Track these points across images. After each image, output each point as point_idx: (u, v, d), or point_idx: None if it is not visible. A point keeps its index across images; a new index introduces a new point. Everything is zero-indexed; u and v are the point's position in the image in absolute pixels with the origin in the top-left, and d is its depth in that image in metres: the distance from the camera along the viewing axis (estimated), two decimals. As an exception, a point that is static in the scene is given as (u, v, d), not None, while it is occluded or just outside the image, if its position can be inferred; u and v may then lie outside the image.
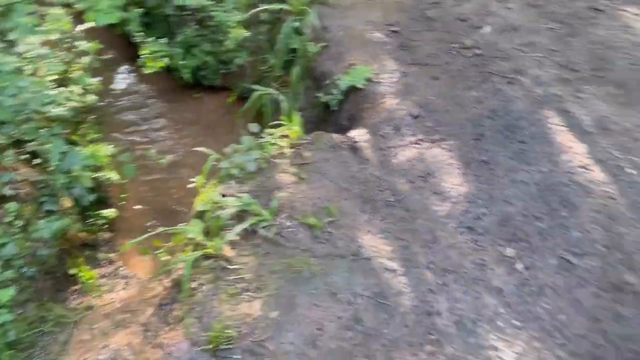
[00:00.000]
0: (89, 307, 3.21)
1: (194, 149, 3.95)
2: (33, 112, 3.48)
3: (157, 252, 3.48)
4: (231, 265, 2.99)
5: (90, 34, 4.72)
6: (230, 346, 2.64)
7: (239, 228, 3.08)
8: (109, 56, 5.23)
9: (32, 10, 3.92)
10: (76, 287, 3.47)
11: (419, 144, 3.87)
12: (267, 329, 2.72)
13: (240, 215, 3.28)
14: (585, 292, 2.99)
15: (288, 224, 3.24)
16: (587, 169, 3.61)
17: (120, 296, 3.39)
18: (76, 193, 3.58)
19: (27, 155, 3.64)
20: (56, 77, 3.97)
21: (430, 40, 4.79)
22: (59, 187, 3.48)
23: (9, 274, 3.00)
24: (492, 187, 3.52)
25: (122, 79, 5.37)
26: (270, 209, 3.24)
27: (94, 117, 4.66)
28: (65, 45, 4.33)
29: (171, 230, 3.19)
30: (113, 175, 4.08)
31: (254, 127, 3.77)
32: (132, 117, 5.04)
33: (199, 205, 3.39)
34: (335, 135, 4.00)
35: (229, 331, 2.67)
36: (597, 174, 3.58)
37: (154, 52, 4.87)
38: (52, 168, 3.52)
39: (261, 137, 3.78)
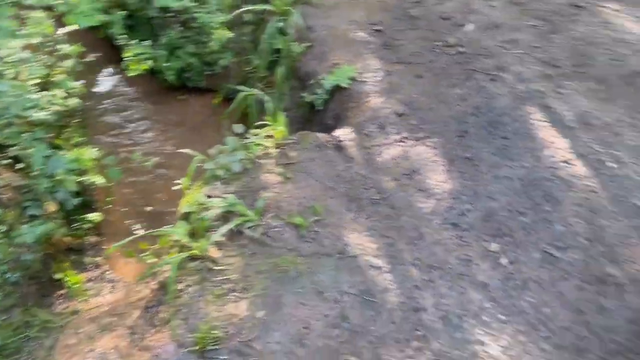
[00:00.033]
0: (75, 312, 3.19)
1: (179, 150, 3.94)
2: (15, 116, 3.46)
3: (143, 254, 3.47)
4: (217, 266, 2.98)
5: (73, 37, 4.70)
6: (217, 347, 2.64)
7: (225, 229, 3.08)
8: (92, 59, 5.20)
9: (12, 13, 3.89)
10: (62, 291, 3.45)
11: (403, 142, 3.89)
12: (254, 329, 2.72)
13: (226, 216, 3.28)
14: (568, 285, 3.03)
15: (274, 223, 3.24)
16: (569, 163, 3.65)
17: (106, 300, 3.37)
18: (60, 197, 3.56)
19: (10, 160, 3.62)
20: (38, 81, 3.95)
21: (414, 39, 4.82)
22: (42, 192, 3.46)
23: (-7, 279, 2.98)
24: (476, 183, 3.55)
25: (106, 82, 5.34)
26: (256, 209, 3.24)
27: (77, 120, 4.64)
28: (47, 49, 4.30)
29: (156, 232, 3.18)
30: (98, 179, 4.06)
31: (238, 127, 3.77)
32: (117, 120, 5.02)
33: (184, 207, 3.38)
34: (320, 135, 4.01)
35: (216, 332, 2.67)
36: (579, 168, 3.62)
37: (138, 55, 4.85)
38: (35, 172, 3.50)
39: (246, 138, 3.78)
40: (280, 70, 4.71)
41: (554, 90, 4.22)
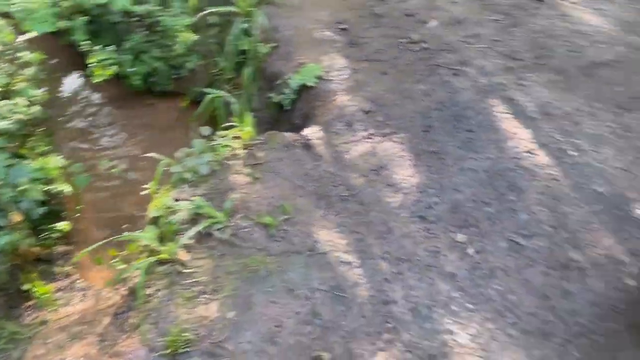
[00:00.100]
0: (44, 322, 3.14)
1: (146, 154, 3.91)
2: (-26, 126, 3.39)
3: (113, 261, 3.44)
4: (186, 269, 2.98)
5: (34, 45, 4.63)
6: (189, 349, 2.63)
7: (193, 231, 3.07)
8: (56, 66, 5.13)
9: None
10: (30, 302, 3.38)
11: (370, 138, 3.93)
12: (225, 330, 2.72)
13: (195, 219, 3.26)
14: (534, 272, 3.10)
15: (243, 224, 3.25)
16: (532, 153, 3.74)
17: (76, 309, 3.32)
18: (24, 207, 3.50)
19: (-29, 171, 3.54)
20: (-1, 89, 3.89)
21: (379, 37, 4.87)
22: (5, 202, 3.40)
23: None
24: (442, 176, 3.61)
25: (72, 89, 5.26)
26: (224, 210, 3.24)
27: (42, 129, 4.56)
28: (7, 57, 4.23)
29: (123, 237, 3.15)
30: (65, 187, 4.00)
31: (205, 130, 3.75)
32: (84, 127, 4.95)
33: (152, 211, 3.36)
34: (288, 134, 4.03)
35: (187, 334, 2.66)
36: (542, 157, 3.72)
37: (102, 60, 4.79)
38: (-2, 183, 3.44)
39: (213, 140, 3.77)
40: (246, 72, 4.71)
41: (516, 82, 4.32)
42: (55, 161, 3.99)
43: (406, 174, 3.64)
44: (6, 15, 4.43)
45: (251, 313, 2.80)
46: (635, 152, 3.77)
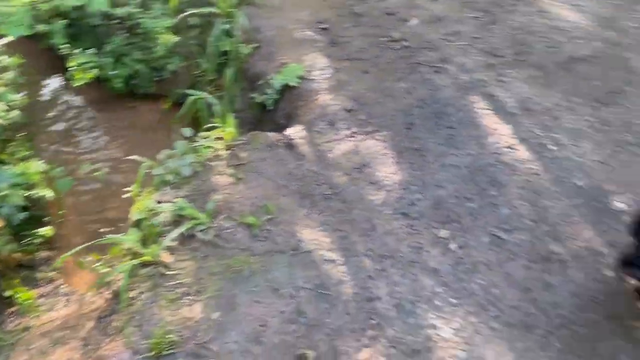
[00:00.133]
0: (27, 328, 3.12)
1: (128, 157, 3.90)
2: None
3: (96, 265, 3.42)
4: (170, 271, 2.97)
5: (15, 49, 4.59)
6: (173, 351, 2.63)
7: (175, 233, 3.06)
8: (35, 70, 5.08)
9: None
10: (13, 309, 3.36)
11: (353, 136, 3.95)
12: (210, 331, 2.72)
13: (177, 221, 3.26)
14: (515, 265, 3.14)
15: (226, 225, 3.25)
16: (512, 148, 3.79)
17: (60, 314, 3.30)
18: (5, 212, 3.47)
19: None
20: (-24, 95, 3.85)
21: (360, 36, 4.89)
22: (-14, 208, 3.37)
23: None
24: (425, 173, 3.64)
25: (52, 93, 5.22)
26: (206, 211, 3.24)
27: (23, 133, 4.52)
28: (-16, 62, 4.19)
29: (106, 240, 3.14)
30: (47, 192, 3.97)
31: (186, 131, 3.74)
32: (65, 131, 4.91)
33: (135, 214, 3.35)
34: (271, 134, 4.03)
35: (171, 336, 2.66)
36: (522, 152, 3.76)
37: (83, 64, 4.76)
38: (-23, 189, 3.41)
39: (195, 141, 3.76)
40: (228, 73, 4.71)
41: (496, 78, 4.36)
42: (37, 166, 3.95)
43: (389, 171, 3.66)
44: (-18, 20, 4.38)
45: (235, 313, 2.81)
46: (613, 145, 3.83)
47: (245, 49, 4.76)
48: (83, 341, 2.83)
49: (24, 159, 4.14)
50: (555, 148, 3.79)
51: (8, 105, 3.99)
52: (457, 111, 4.04)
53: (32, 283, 3.64)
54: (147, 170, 3.55)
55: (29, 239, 3.85)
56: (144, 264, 3.01)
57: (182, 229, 3.10)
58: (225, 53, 4.84)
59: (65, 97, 5.15)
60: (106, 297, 3.13)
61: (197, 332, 2.71)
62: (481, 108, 4.08)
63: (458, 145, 3.79)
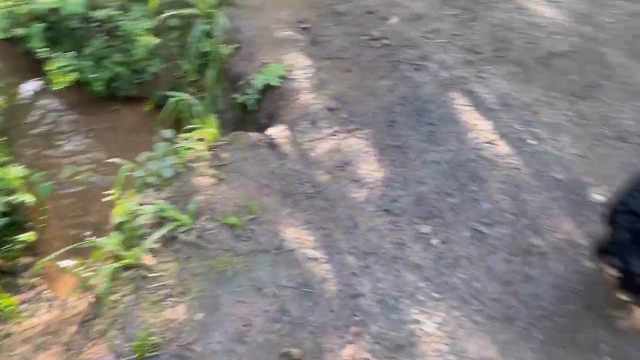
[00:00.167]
0: (8, 335, 3.08)
1: (108, 160, 3.87)
2: None
3: (78, 269, 3.39)
4: (152, 273, 2.96)
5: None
6: (156, 353, 2.62)
7: (157, 235, 3.06)
8: (13, 74, 5.03)
9: None
10: (-6, 316, 3.32)
11: (335, 135, 3.96)
12: (193, 332, 2.72)
13: (159, 223, 3.24)
14: (497, 259, 3.17)
15: (209, 226, 3.24)
16: (492, 143, 3.82)
17: (42, 320, 3.26)
18: (-16, 218, 3.43)
19: None
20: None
21: (340, 34, 4.91)
22: (-36, 214, 3.33)
23: None
24: (406, 169, 3.66)
25: (32, 97, 5.17)
26: (188, 212, 3.23)
27: (2, 138, 4.47)
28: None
29: (86, 244, 3.12)
30: (27, 197, 3.93)
31: (167, 132, 3.73)
32: (46, 134, 4.87)
33: (116, 217, 3.33)
34: (253, 134, 4.03)
35: (154, 338, 2.65)
36: (502, 147, 3.80)
37: (62, 67, 4.72)
38: (-45, 195, 3.36)
39: (176, 143, 3.75)
40: (210, 73, 4.70)
41: (476, 75, 4.40)
42: (16, 171, 3.92)
43: (371, 169, 3.68)
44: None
45: (219, 314, 2.81)
46: (590, 138, 3.89)
47: (226, 50, 4.75)
48: (65, 346, 2.80)
49: (3, 164, 4.09)
50: (534, 142, 3.84)
51: (-15, 110, 3.95)
52: (437, 108, 4.07)
53: (14, 289, 3.59)
54: (129, 173, 3.53)
55: (10, 245, 3.81)
56: (126, 267, 2.99)
57: (164, 230, 3.09)
58: (206, 54, 4.82)
59: (45, 101, 5.10)
60: (89, 301, 3.10)
61: (181, 333, 2.71)
62: (461, 104, 4.12)
63: (439, 142, 3.83)
